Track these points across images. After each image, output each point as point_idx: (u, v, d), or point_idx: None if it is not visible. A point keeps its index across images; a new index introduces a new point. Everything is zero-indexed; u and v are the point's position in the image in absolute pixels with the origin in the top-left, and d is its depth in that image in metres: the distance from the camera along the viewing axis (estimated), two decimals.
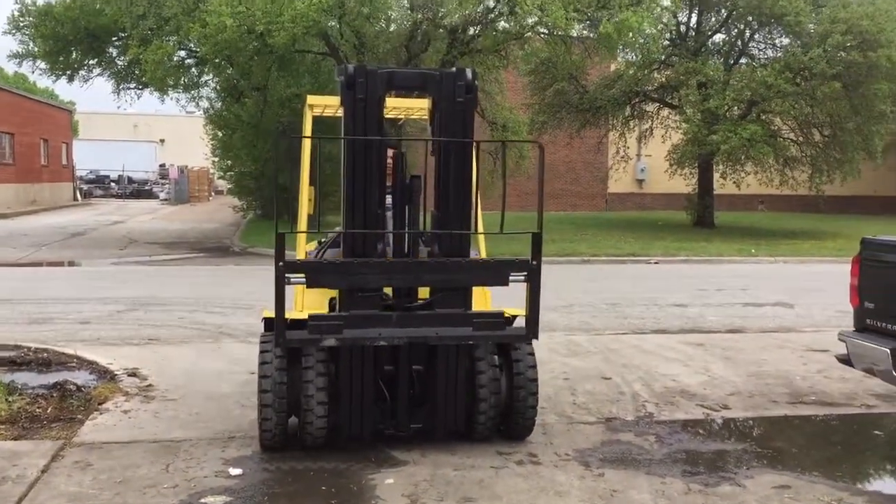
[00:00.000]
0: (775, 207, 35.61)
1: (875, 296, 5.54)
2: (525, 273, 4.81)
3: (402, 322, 4.76)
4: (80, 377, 6.80)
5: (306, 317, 4.73)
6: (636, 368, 7.51)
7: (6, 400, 5.86)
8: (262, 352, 5.04)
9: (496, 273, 4.91)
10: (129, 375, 6.91)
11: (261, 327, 5.40)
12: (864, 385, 6.90)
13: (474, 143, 4.97)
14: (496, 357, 5.26)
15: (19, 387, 6.27)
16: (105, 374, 6.95)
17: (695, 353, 8.25)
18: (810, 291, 13.11)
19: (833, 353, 6.29)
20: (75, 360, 7.40)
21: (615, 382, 7.01)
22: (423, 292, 5.02)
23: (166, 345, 8.43)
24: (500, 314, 4.91)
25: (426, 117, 5.44)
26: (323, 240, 5.99)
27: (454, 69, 5.02)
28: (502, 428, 5.38)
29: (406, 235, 5.09)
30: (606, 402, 6.43)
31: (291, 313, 5.03)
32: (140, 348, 8.17)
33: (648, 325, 10.08)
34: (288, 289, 4.61)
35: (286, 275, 4.57)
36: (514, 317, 5.27)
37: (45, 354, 7.45)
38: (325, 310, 5.21)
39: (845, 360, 5.70)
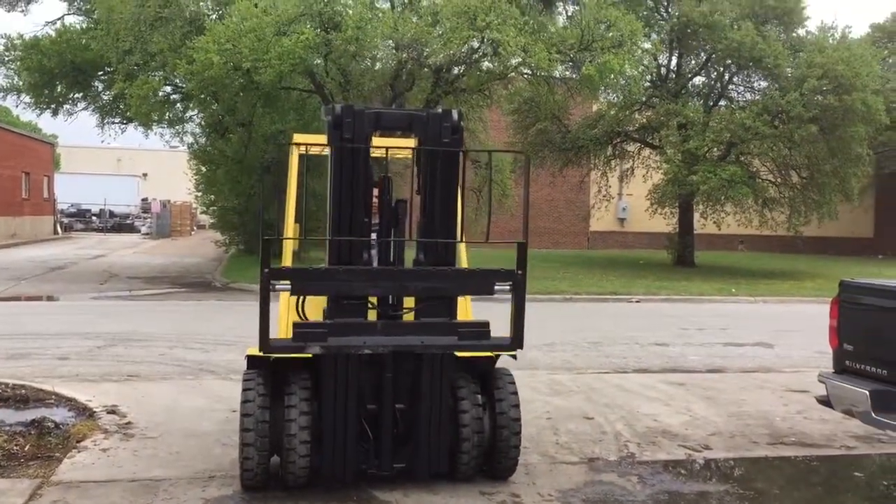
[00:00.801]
0: (755, 247, 36.00)
1: (854, 338, 5.61)
2: (510, 283, 4.81)
3: (387, 330, 4.75)
4: (59, 414, 6.72)
5: None
6: (618, 408, 7.52)
7: None
8: (244, 390, 5.00)
9: (481, 282, 4.89)
10: (109, 412, 6.84)
11: (243, 364, 5.37)
12: (844, 426, 6.94)
13: (461, 154, 5.01)
14: (479, 396, 5.26)
15: None
16: (84, 411, 6.87)
17: (676, 392, 8.28)
18: (790, 332, 13.22)
19: (813, 393, 6.34)
20: (53, 396, 7.30)
21: (598, 422, 7.01)
22: (409, 303, 5.02)
23: (146, 381, 8.34)
24: (486, 323, 4.88)
25: (411, 156, 5.51)
26: None
27: (441, 110, 5.09)
28: (485, 468, 5.36)
29: (391, 247, 5.10)
30: (589, 441, 6.43)
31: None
32: (119, 385, 8.08)
33: (630, 364, 10.11)
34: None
35: (272, 281, 4.56)
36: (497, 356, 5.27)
37: (23, 391, 7.35)
38: None
39: (825, 402, 5.76)
